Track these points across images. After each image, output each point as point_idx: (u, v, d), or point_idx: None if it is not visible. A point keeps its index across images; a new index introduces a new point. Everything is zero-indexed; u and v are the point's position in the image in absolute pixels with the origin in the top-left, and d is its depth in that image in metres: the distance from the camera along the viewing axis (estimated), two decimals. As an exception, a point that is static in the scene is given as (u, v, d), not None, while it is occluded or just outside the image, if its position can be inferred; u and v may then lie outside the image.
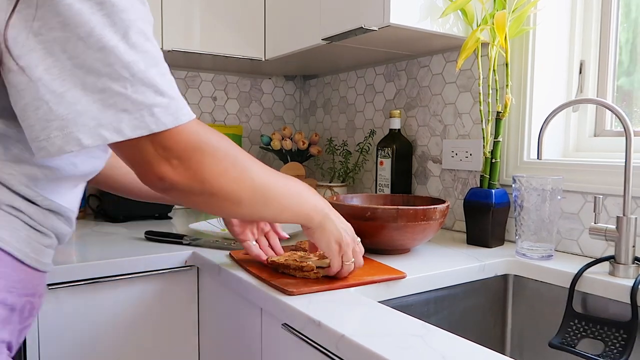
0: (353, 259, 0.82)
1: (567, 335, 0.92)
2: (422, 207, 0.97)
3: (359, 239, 0.85)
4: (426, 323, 0.66)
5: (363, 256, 0.99)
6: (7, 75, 0.49)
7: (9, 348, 0.57)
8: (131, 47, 0.51)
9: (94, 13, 0.49)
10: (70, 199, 0.64)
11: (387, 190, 1.45)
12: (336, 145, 1.82)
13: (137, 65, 0.51)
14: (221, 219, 1.32)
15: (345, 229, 0.80)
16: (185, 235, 1.14)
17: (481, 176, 1.16)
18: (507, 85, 1.13)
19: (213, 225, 1.27)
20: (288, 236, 0.98)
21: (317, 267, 0.83)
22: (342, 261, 0.80)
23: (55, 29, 0.48)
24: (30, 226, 0.57)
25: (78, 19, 0.48)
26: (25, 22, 0.47)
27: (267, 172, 0.68)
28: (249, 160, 0.64)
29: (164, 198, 0.94)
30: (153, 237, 1.16)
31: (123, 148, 0.55)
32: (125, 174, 0.90)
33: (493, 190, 1.13)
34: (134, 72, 0.51)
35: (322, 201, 0.78)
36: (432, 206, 0.99)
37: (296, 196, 0.73)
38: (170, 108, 0.53)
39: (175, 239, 1.13)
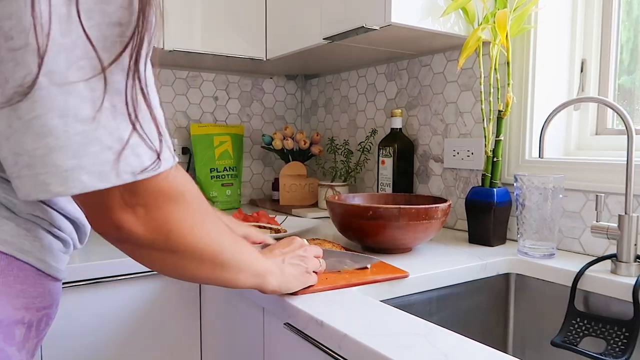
0: (320, 264, 0.81)
1: (569, 333, 0.92)
2: (423, 206, 0.97)
3: (304, 241, 0.82)
4: (428, 322, 0.67)
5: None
6: None
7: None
8: (120, 69, 0.43)
9: (81, 25, 0.41)
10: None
11: (389, 190, 1.45)
12: (338, 144, 1.82)
13: (124, 93, 0.43)
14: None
15: (291, 256, 0.76)
16: None
17: (483, 175, 1.16)
18: (508, 84, 1.13)
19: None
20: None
21: None
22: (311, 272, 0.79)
23: (30, 34, 0.39)
24: (51, 233, 0.54)
25: (62, 28, 0.40)
26: None
27: (226, 230, 0.60)
28: (215, 218, 0.57)
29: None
30: None
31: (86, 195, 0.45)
32: None
33: (495, 189, 1.13)
34: (118, 102, 0.43)
35: (267, 257, 0.72)
36: (434, 205, 0.99)
37: (248, 256, 0.65)
38: (154, 150, 0.45)
39: None
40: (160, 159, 0.46)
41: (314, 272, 0.79)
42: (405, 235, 0.99)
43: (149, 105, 0.45)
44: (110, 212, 0.46)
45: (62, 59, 0.39)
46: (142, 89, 0.44)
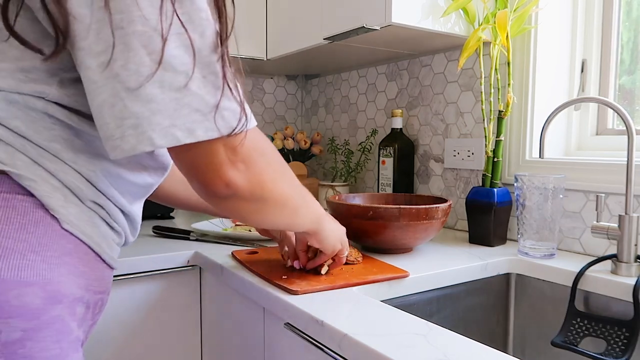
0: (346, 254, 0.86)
1: (569, 333, 0.92)
2: (424, 206, 0.97)
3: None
4: (429, 322, 0.67)
5: (365, 255, 1.00)
6: (85, 72, 0.49)
7: (82, 345, 0.59)
8: (208, 48, 0.50)
9: (173, 11, 0.48)
10: (136, 209, 0.65)
11: (389, 190, 1.45)
12: (338, 144, 1.82)
13: (213, 66, 0.50)
14: (222, 219, 1.32)
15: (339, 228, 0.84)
16: (192, 232, 1.16)
17: (483, 175, 1.16)
18: (508, 84, 1.13)
19: (215, 225, 1.27)
20: None
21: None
22: (339, 256, 0.85)
23: (136, 23, 0.47)
24: (107, 223, 0.59)
25: (160, 15, 0.48)
26: (106, 15, 0.47)
27: (297, 179, 0.69)
28: (288, 168, 0.65)
29: (207, 209, 0.97)
30: (161, 232, 1.19)
31: (189, 152, 0.53)
32: (172, 184, 0.93)
33: (495, 189, 1.13)
34: (207, 73, 0.50)
35: (320, 206, 0.81)
36: (434, 205, 0.99)
37: (312, 203, 0.74)
38: (239, 112, 0.53)
39: (183, 234, 1.17)
40: (246, 119, 0.53)
41: (341, 257, 0.85)
42: (405, 235, 0.99)
43: (230, 76, 0.52)
44: (218, 171, 0.54)
45: (160, 41, 0.48)
46: (224, 63, 0.52)
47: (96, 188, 0.57)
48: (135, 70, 0.47)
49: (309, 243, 0.83)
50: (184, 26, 0.49)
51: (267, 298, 0.81)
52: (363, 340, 0.60)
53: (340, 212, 1.02)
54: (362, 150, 1.64)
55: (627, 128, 0.90)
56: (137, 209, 0.66)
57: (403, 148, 1.46)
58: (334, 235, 0.81)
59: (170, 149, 0.54)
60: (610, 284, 0.90)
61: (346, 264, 0.92)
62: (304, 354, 0.75)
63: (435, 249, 1.10)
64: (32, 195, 0.52)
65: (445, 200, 1.09)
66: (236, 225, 1.27)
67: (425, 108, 1.46)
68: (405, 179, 1.47)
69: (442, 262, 0.99)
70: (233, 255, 1.00)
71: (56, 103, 0.53)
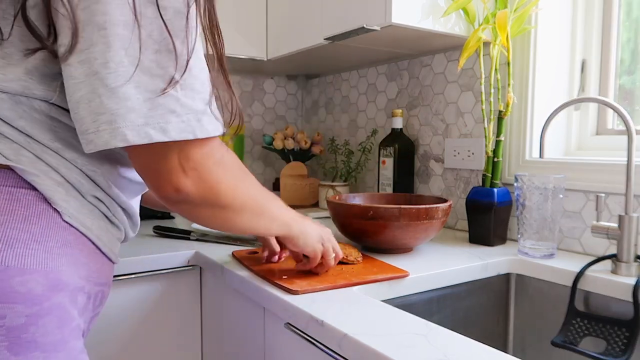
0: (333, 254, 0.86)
1: (569, 333, 0.92)
2: (424, 206, 0.97)
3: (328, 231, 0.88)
4: (429, 322, 0.67)
5: (365, 255, 1.00)
6: (67, 68, 0.51)
7: (83, 335, 0.60)
8: (190, 52, 0.53)
9: (157, 17, 0.51)
10: (134, 204, 0.68)
11: (390, 190, 1.45)
12: (338, 144, 1.82)
13: (191, 70, 0.53)
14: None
15: (316, 226, 0.84)
16: (193, 231, 1.16)
17: (483, 175, 1.16)
18: (508, 84, 1.13)
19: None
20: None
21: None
22: (326, 258, 0.84)
23: (118, 25, 0.49)
24: (107, 217, 0.61)
25: (142, 20, 0.51)
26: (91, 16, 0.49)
27: (260, 186, 0.71)
28: (250, 175, 0.68)
29: (165, 208, 0.97)
30: (161, 232, 1.19)
31: (147, 153, 0.55)
32: None
33: (495, 189, 1.13)
34: (186, 76, 0.53)
35: (294, 211, 0.81)
36: (435, 205, 0.99)
37: (279, 208, 0.76)
38: (213, 118, 0.56)
39: (183, 234, 1.17)
40: (212, 128, 0.55)
41: (328, 258, 0.84)
42: (405, 235, 0.99)
43: (209, 81, 0.56)
44: (170, 175, 0.56)
45: (142, 48, 0.51)
46: (201, 70, 0.55)
47: (96, 184, 0.59)
48: (113, 69, 0.50)
49: (286, 247, 0.83)
50: (168, 30, 0.52)
51: (267, 298, 0.81)
52: (363, 340, 0.61)
53: (340, 212, 1.02)
54: (363, 150, 1.64)
55: (627, 128, 0.90)
56: (135, 205, 0.68)
57: (403, 148, 1.46)
58: (311, 238, 0.81)
59: (127, 149, 0.56)
60: (610, 284, 0.90)
61: (346, 264, 0.92)
62: (304, 354, 0.75)
63: (436, 248, 1.10)
64: (35, 189, 0.54)
65: (445, 200, 1.09)
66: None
67: (425, 108, 1.46)
68: (405, 179, 1.47)
69: (442, 262, 0.99)
70: (233, 255, 1.00)
71: (58, 106, 0.56)
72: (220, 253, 1.03)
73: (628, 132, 0.90)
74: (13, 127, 0.54)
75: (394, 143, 1.45)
